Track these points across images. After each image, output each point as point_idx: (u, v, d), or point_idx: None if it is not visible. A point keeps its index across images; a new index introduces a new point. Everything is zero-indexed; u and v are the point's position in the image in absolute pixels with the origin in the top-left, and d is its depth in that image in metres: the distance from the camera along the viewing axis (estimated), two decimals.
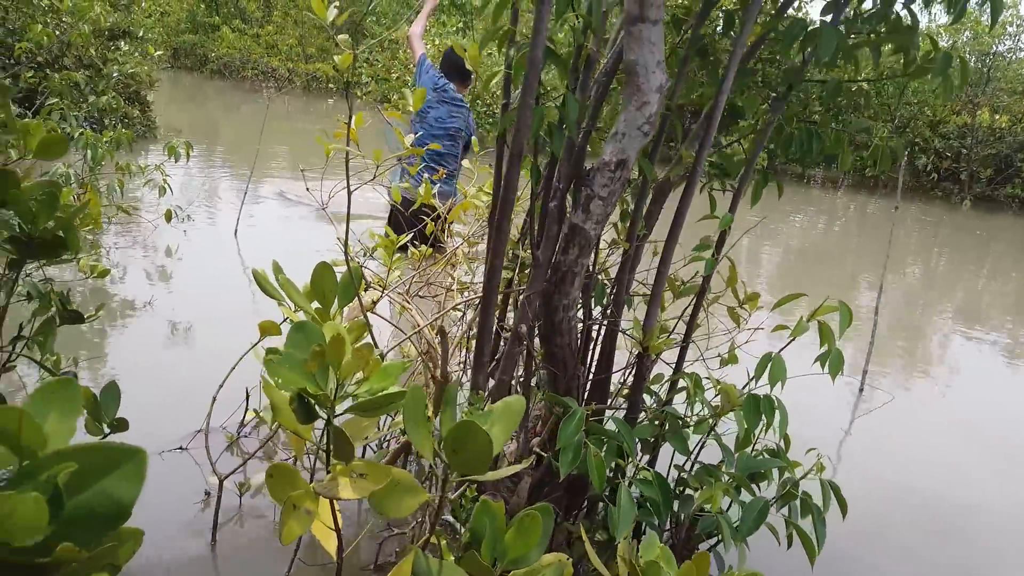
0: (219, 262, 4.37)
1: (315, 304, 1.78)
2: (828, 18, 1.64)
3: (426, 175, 3.18)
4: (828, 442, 3.11)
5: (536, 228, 1.65)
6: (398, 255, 2.18)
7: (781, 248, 7.57)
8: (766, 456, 1.65)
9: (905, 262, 7.54)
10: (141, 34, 8.00)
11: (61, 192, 1.74)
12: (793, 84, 1.56)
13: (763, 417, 1.46)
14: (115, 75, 6.48)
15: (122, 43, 7.45)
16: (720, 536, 1.78)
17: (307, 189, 2.28)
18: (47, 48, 6.01)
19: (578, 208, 1.57)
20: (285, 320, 1.92)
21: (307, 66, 15.72)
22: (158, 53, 6.50)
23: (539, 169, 1.55)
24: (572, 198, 1.63)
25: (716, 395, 1.59)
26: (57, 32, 4.49)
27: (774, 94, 1.78)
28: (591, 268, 1.78)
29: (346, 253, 1.77)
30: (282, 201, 6.12)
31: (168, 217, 4.30)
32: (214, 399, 2.14)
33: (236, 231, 4.81)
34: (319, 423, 1.22)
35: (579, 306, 1.69)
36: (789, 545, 1.74)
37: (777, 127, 1.86)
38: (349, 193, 1.68)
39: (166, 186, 4.39)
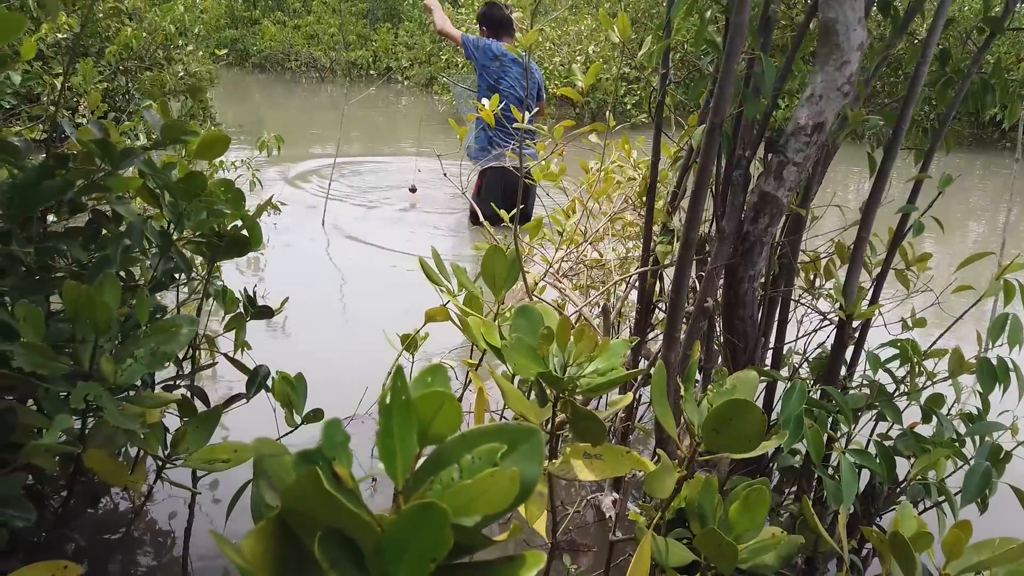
0: (314, 252, 4.42)
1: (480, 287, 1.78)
2: None
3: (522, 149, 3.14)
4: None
5: (719, 198, 1.61)
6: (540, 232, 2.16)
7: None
8: (964, 422, 1.60)
9: (978, 216, 7.28)
10: (197, 31, 8.09)
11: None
12: (996, 32, 1.49)
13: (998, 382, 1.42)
14: (181, 74, 6.58)
15: (181, 42, 7.55)
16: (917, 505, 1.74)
17: (444, 175, 2.28)
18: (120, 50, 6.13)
19: (769, 175, 1.53)
20: (448, 303, 1.92)
21: (346, 54, 15.74)
22: (223, 52, 6.54)
23: (729, 136, 1.51)
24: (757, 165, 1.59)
25: (919, 361, 1.54)
26: (144, 34, 4.56)
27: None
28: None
29: (515, 234, 1.76)
30: (361, 188, 6.15)
31: (260, 211, 4.34)
32: (384, 385, 2.16)
33: (323, 221, 4.85)
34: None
35: (762, 276, 1.66)
36: (983, 509, 1.69)
37: (945, 82, 1.78)
38: (521, 176, 1.66)
39: (256, 180, 4.44)
